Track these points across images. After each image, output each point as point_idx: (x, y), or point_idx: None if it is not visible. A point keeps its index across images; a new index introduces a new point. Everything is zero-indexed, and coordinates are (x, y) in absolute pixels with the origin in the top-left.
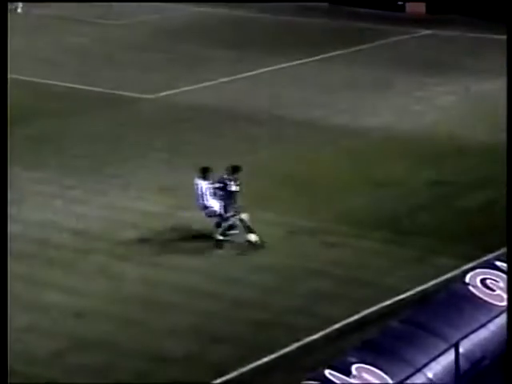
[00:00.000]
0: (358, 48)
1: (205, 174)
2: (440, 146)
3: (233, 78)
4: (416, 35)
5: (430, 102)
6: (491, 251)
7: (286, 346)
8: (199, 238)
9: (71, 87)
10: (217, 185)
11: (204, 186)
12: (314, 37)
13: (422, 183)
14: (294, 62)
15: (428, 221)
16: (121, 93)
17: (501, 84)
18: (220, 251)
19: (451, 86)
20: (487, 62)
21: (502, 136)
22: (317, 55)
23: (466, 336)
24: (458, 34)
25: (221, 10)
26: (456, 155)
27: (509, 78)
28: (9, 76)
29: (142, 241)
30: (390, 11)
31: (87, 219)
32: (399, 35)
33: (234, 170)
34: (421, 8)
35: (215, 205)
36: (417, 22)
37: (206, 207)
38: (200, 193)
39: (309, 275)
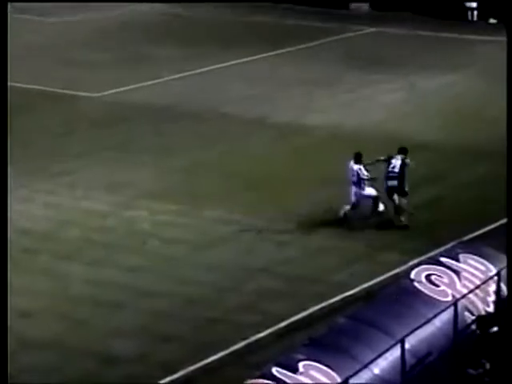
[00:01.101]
0: (306, 45)
1: (358, 159)
2: (387, 143)
3: (181, 75)
4: (362, 32)
5: (376, 99)
6: (438, 247)
7: (234, 343)
8: (146, 237)
9: (16, 85)
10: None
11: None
12: (264, 34)
13: None
14: (244, 59)
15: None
16: (67, 91)
17: (447, 80)
18: (169, 250)
19: (398, 83)
20: (434, 60)
21: (448, 133)
22: (266, 52)
23: (411, 332)
24: (404, 31)
25: (172, 9)
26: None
27: (508, 79)
28: None
29: (88, 240)
30: (335, 9)
31: (33, 218)
32: (346, 33)
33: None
34: (365, 5)
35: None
36: (362, 19)
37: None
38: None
39: (257, 273)
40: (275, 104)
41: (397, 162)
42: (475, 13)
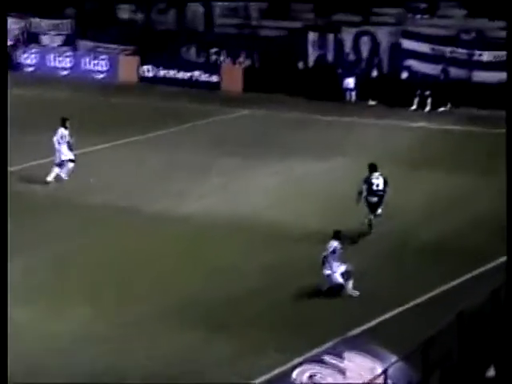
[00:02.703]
0: (178, 128)
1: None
2: (266, 232)
3: (41, 161)
4: (234, 115)
5: (253, 185)
6: (320, 345)
7: None
8: None
9: None
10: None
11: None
12: (132, 117)
13: (249, 269)
14: (110, 144)
15: (257, 310)
16: None
17: (325, 165)
18: None
19: (274, 168)
20: (311, 143)
21: (327, 219)
22: (136, 136)
23: None
24: (279, 114)
25: (28, 93)
26: (281, 240)
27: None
28: None
29: None
30: (206, 89)
31: None
32: (218, 115)
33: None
34: (238, 87)
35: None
36: (234, 100)
37: None
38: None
39: (128, 374)
40: (146, 192)
41: (379, 181)
42: (353, 93)
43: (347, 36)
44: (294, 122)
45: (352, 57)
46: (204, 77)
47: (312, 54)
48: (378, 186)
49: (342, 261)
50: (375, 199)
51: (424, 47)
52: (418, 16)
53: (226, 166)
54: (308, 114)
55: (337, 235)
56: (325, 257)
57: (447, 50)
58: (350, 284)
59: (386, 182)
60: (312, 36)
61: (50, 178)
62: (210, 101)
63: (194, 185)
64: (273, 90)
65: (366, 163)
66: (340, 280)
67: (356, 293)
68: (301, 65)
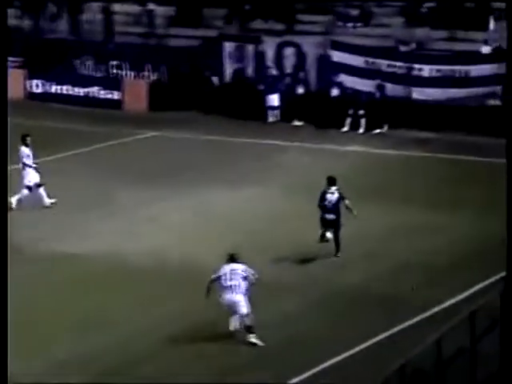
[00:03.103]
0: (72, 153)
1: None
2: (171, 274)
3: None
4: (139, 137)
5: (160, 220)
6: None
7: None
8: None
9: None
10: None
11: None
12: (15, 140)
13: (148, 323)
14: None
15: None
16: None
17: (243, 195)
18: None
19: (185, 200)
20: (227, 170)
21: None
22: (16, 164)
23: None
24: (191, 135)
25: None
26: (191, 284)
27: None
28: None
29: None
30: (106, 108)
31: None
32: (119, 138)
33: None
34: (142, 105)
35: None
36: (138, 121)
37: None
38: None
39: None
40: (36, 229)
41: (333, 197)
42: (276, 113)
43: (269, 47)
44: (208, 145)
45: (275, 71)
46: (103, 93)
47: (229, 68)
48: (330, 202)
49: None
50: (330, 216)
51: (357, 60)
52: (350, 24)
53: (128, 197)
54: (224, 135)
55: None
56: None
57: (383, 63)
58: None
59: (340, 199)
60: (228, 47)
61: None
62: (110, 121)
63: (90, 219)
64: (183, 109)
65: (290, 192)
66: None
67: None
68: (216, 80)
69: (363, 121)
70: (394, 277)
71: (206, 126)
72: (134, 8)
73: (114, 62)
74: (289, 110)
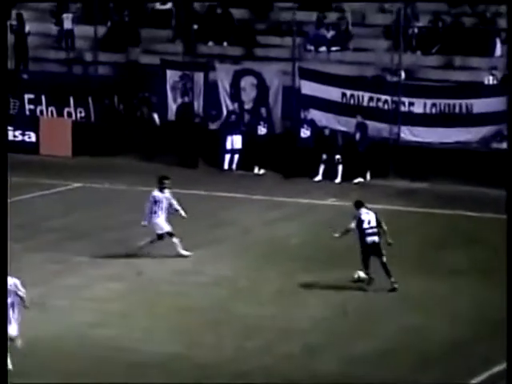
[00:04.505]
0: None
1: None
2: (100, 360)
3: None
4: (58, 190)
5: (81, 294)
6: None
7: None
8: None
9: None
10: None
11: None
12: None
13: None
14: None
15: None
16: None
17: (186, 264)
18: None
19: (116, 268)
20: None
21: (182, 338)
22: None
23: None
24: (126, 187)
25: None
26: (124, 374)
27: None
28: None
29: None
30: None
31: None
32: (34, 190)
33: None
34: (65, 149)
35: None
36: (59, 168)
37: None
38: None
39: None
40: None
41: (371, 216)
42: (233, 158)
43: (223, 76)
44: (142, 199)
45: (230, 106)
46: (16, 134)
47: (172, 102)
48: (369, 222)
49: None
50: (374, 238)
51: (332, 92)
52: (323, 48)
53: (40, 266)
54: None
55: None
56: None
57: (365, 96)
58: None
59: (378, 221)
60: (172, 76)
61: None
62: (23, 169)
63: None
64: (116, 154)
65: (247, 256)
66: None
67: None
68: (156, 117)
69: (340, 168)
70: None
71: (144, 175)
72: (52, 28)
73: (29, 96)
74: (249, 154)
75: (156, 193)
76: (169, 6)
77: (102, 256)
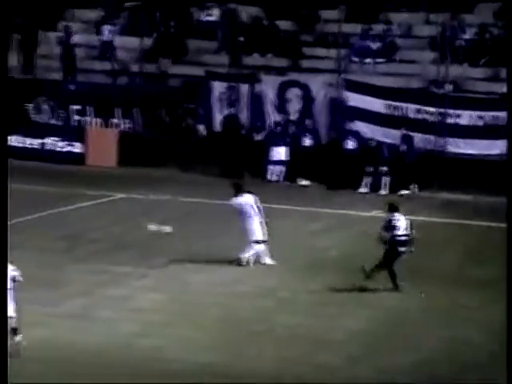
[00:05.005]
0: (17, 221)
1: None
2: (143, 370)
3: None
4: (103, 201)
5: (125, 305)
6: None
7: None
8: None
9: None
10: None
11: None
12: None
13: None
14: None
15: None
16: None
17: (233, 274)
18: None
19: (155, 278)
20: (212, 240)
21: (226, 350)
22: None
23: None
24: (169, 198)
25: None
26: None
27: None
28: None
29: None
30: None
31: None
32: (80, 200)
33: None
34: (110, 160)
35: None
36: (105, 179)
37: None
38: None
39: None
40: None
41: (404, 222)
42: (278, 169)
43: (268, 87)
44: (189, 210)
45: (276, 117)
46: (62, 145)
47: (218, 113)
48: (403, 228)
49: None
50: (405, 247)
51: (377, 104)
52: (369, 60)
53: (84, 276)
54: (210, 198)
55: None
56: None
57: (411, 108)
58: None
59: (410, 227)
60: (218, 87)
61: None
62: (69, 180)
63: (40, 306)
64: (159, 165)
65: (291, 268)
66: None
67: None
68: (202, 128)
69: (385, 180)
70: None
71: (188, 186)
72: (96, 39)
73: (76, 107)
74: (293, 166)
75: (240, 199)
76: (215, 17)
77: (146, 266)
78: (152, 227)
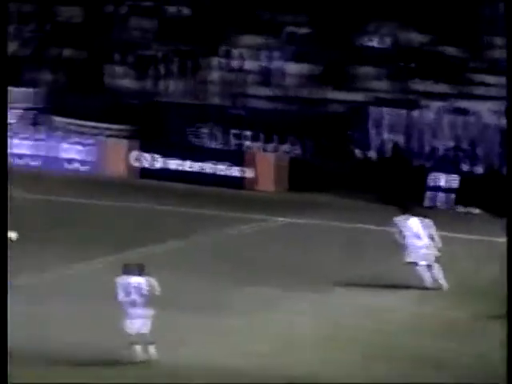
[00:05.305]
0: (178, 244)
1: None
2: None
3: None
4: (266, 225)
5: (271, 325)
6: None
7: None
8: None
9: None
10: None
11: None
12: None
13: None
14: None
15: None
16: None
17: (383, 303)
18: None
19: (303, 302)
20: (354, 269)
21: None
22: (108, 255)
23: None
24: (322, 221)
25: None
26: None
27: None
28: None
29: None
30: (228, 187)
31: None
32: (240, 224)
33: None
34: (270, 184)
35: None
36: (268, 204)
37: None
38: None
39: None
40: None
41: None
42: (441, 196)
43: (430, 113)
44: (352, 236)
45: (436, 143)
46: (233, 170)
47: (375, 138)
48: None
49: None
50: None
51: None
52: None
53: (246, 301)
54: (370, 224)
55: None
56: None
57: None
58: None
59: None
60: (378, 113)
61: None
62: (236, 204)
63: (198, 326)
64: (320, 190)
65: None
66: None
67: None
68: (359, 153)
69: None
70: None
71: (351, 212)
72: (265, 65)
73: (247, 132)
74: (462, 193)
75: (405, 220)
76: (378, 43)
77: (296, 290)
78: None
